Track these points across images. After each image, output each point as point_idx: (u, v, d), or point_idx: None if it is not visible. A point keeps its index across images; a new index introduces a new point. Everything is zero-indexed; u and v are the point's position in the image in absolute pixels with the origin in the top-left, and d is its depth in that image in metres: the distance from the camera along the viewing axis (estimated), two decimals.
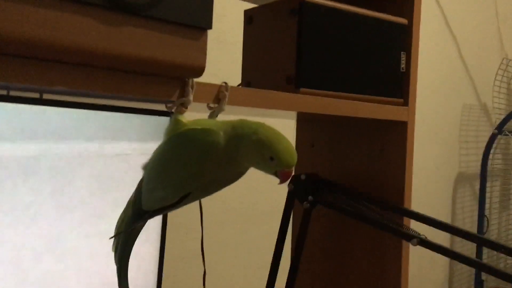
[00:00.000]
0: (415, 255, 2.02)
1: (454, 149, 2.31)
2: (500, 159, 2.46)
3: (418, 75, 0.91)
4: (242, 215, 1.41)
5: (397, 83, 0.85)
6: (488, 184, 2.27)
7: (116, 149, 0.71)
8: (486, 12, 2.42)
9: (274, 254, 0.93)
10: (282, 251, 0.93)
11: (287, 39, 0.74)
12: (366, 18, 0.79)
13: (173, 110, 0.59)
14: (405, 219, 0.90)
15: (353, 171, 1.00)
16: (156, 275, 0.82)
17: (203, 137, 0.55)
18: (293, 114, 1.00)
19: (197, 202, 0.84)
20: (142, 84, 0.54)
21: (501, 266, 2.46)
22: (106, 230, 0.73)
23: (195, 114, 0.64)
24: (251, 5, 0.84)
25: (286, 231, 0.93)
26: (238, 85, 0.83)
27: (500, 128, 2.19)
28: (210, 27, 0.54)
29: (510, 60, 2.31)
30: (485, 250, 2.26)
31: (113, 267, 0.66)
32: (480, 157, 2.24)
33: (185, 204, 0.60)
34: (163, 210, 0.61)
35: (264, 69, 0.79)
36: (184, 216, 1.22)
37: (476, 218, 2.28)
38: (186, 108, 0.58)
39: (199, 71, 0.56)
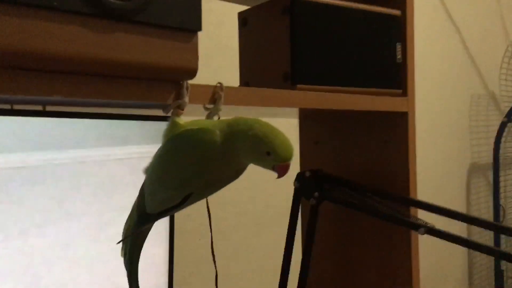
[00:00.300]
0: (433, 248, 2.00)
1: (465, 140, 2.29)
2: (511, 147, 2.44)
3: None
4: (253, 219, 1.42)
5: (394, 74, 0.86)
6: (501, 173, 2.24)
7: (119, 154, 0.73)
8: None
9: (284, 253, 0.93)
10: (292, 250, 0.93)
11: (281, 37, 0.75)
12: (359, 11, 0.80)
13: (169, 114, 0.60)
14: (413, 209, 0.90)
15: (357, 166, 1.00)
16: (167, 280, 0.83)
17: (200, 136, 0.57)
18: (296, 112, 1.01)
19: (206, 206, 0.85)
20: (137, 89, 0.55)
21: None
22: (115, 234, 0.74)
23: (194, 118, 0.65)
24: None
25: (295, 229, 0.94)
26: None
27: (509, 116, 2.17)
28: (200, 29, 0.56)
29: None
30: (503, 240, 2.24)
31: (124, 272, 0.67)
32: (492, 146, 2.23)
33: (189, 204, 0.61)
34: (167, 212, 0.62)
35: (261, 69, 0.80)
36: (196, 221, 1.23)
37: (492, 208, 2.26)
38: (183, 110, 0.60)
39: (192, 73, 0.57)
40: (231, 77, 1.09)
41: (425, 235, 0.78)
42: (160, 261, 0.82)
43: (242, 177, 0.64)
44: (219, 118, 0.65)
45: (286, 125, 0.83)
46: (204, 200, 0.85)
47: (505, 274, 2.18)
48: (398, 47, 0.86)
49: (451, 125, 2.20)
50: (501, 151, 2.21)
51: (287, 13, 0.74)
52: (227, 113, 0.68)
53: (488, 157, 2.32)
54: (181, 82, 0.59)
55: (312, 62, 0.75)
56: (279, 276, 0.94)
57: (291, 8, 0.73)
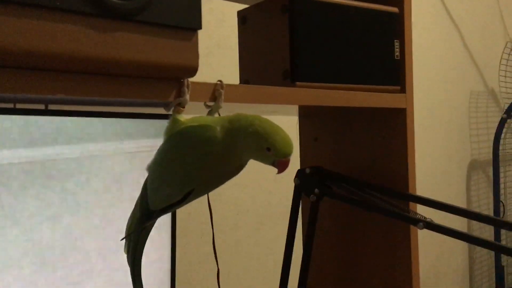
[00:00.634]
0: (434, 244, 2.01)
1: (465, 137, 2.30)
2: (511, 143, 2.45)
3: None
4: (254, 216, 1.43)
5: (392, 71, 0.87)
6: (501, 170, 2.25)
7: (127, 148, 0.75)
8: None
9: (285, 250, 0.94)
10: (293, 246, 0.94)
11: (281, 35, 0.76)
12: (357, 9, 0.81)
13: (170, 112, 0.61)
14: (412, 205, 0.90)
15: (357, 162, 1.01)
16: (169, 276, 0.84)
17: (201, 133, 0.57)
18: (295, 110, 1.02)
19: (207, 205, 0.86)
20: (139, 87, 0.56)
21: None
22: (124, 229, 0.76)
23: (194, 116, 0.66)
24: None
25: (296, 226, 0.95)
26: None
27: (509, 112, 2.18)
28: (200, 28, 0.56)
29: None
30: (503, 237, 2.25)
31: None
32: (491, 143, 2.23)
33: (191, 200, 0.62)
34: (169, 208, 0.63)
35: (260, 67, 0.80)
36: (198, 219, 1.24)
37: (492, 204, 2.27)
38: (183, 107, 0.60)
39: (193, 71, 0.58)
40: (231, 75, 1.10)
41: (425, 230, 0.78)
42: (163, 258, 0.83)
43: (243, 175, 0.65)
44: (219, 115, 0.66)
45: (286, 123, 0.84)
46: (205, 198, 0.86)
47: (505, 270, 2.19)
48: (396, 44, 0.87)
49: (450, 121, 2.21)
50: (500, 147, 2.22)
51: (286, 11, 0.74)
52: (228, 111, 0.68)
53: (487, 154, 2.33)
54: (182, 80, 0.59)
55: (311, 60, 0.76)
56: (280, 273, 0.95)
57: (290, 6, 0.74)
